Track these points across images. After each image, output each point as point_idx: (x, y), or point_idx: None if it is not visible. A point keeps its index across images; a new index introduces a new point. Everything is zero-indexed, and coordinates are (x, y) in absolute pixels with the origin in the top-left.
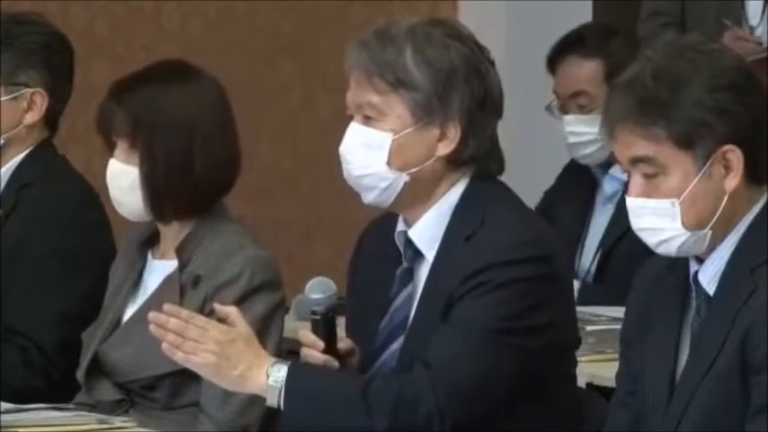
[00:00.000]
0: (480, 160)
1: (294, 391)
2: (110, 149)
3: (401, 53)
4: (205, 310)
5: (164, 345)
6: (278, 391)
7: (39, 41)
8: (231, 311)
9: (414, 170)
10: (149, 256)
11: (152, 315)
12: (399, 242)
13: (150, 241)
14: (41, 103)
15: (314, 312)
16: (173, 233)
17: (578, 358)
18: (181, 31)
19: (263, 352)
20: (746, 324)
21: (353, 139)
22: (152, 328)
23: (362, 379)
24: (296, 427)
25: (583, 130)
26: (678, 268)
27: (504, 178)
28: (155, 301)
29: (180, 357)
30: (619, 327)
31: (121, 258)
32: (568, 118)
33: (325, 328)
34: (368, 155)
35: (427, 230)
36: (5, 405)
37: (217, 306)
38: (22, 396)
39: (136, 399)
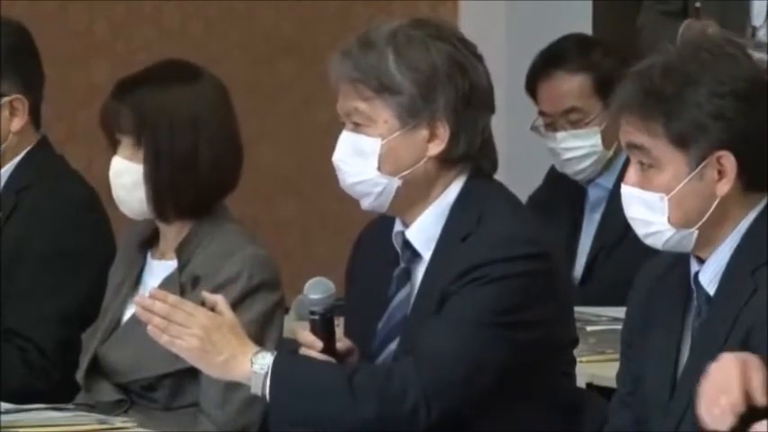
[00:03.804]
0: (473, 157)
1: (279, 379)
2: (113, 147)
3: (383, 58)
4: None
5: (149, 327)
6: (262, 379)
7: (2, 47)
8: (218, 299)
9: (406, 173)
10: (148, 256)
11: (137, 299)
12: (397, 243)
13: (150, 241)
14: (23, 107)
15: (312, 312)
16: (173, 233)
17: (578, 358)
18: (181, 32)
19: (249, 341)
20: (747, 325)
21: (345, 147)
22: (137, 310)
23: (349, 367)
24: (281, 415)
25: (577, 145)
26: (679, 269)
27: (505, 178)
28: None
29: (165, 341)
30: (619, 327)
31: (121, 259)
32: (561, 135)
33: (323, 327)
34: (359, 162)
35: (424, 231)
36: (5, 405)
37: (205, 294)
38: (22, 396)
39: (135, 399)
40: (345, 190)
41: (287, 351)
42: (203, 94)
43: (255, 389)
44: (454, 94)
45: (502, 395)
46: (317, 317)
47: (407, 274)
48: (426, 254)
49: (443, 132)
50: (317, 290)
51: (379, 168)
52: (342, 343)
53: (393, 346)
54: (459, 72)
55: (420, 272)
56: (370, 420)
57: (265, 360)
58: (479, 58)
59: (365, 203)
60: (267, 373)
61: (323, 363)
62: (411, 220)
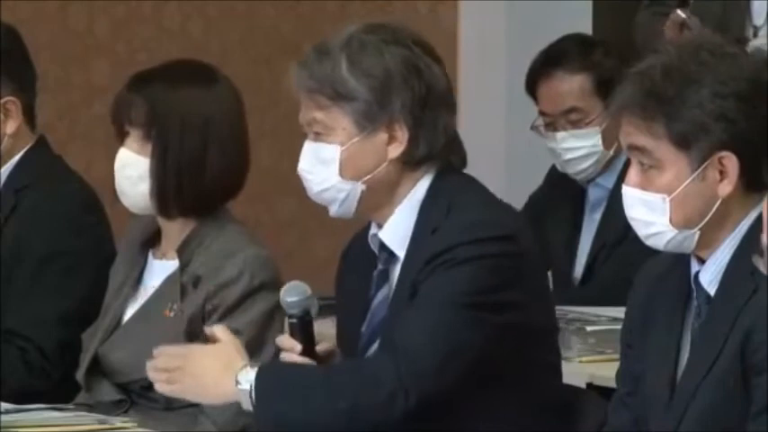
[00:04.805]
0: (437, 156)
1: (263, 390)
2: (120, 139)
3: (337, 66)
4: (205, 309)
5: (158, 386)
6: (248, 394)
7: None
8: (216, 329)
9: (368, 177)
10: (150, 256)
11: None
12: (374, 245)
13: (151, 241)
14: (16, 108)
15: (291, 316)
16: (175, 231)
17: (578, 358)
18: (181, 32)
19: (236, 360)
20: (747, 325)
21: (308, 157)
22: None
23: (328, 367)
24: (272, 426)
25: (578, 145)
26: (679, 269)
27: (505, 178)
28: (155, 302)
29: (168, 390)
30: (619, 327)
31: (122, 258)
32: (561, 135)
33: (302, 330)
34: (322, 170)
35: (397, 230)
36: (5, 405)
37: (206, 329)
38: (22, 396)
39: (136, 399)
40: (313, 198)
41: (269, 362)
42: (218, 97)
43: (246, 405)
44: (410, 97)
45: (483, 386)
46: (294, 320)
47: (386, 275)
48: (401, 252)
49: (402, 135)
50: (294, 293)
51: (341, 174)
52: (321, 345)
53: (376, 346)
54: (415, 75)
55: (397, 271)
56: (347, 410)
57: (249, 376)
58: (437, 60)
59: (332, 210)
60: (252, 387)
61: (304, 366)
62: (383, 221)
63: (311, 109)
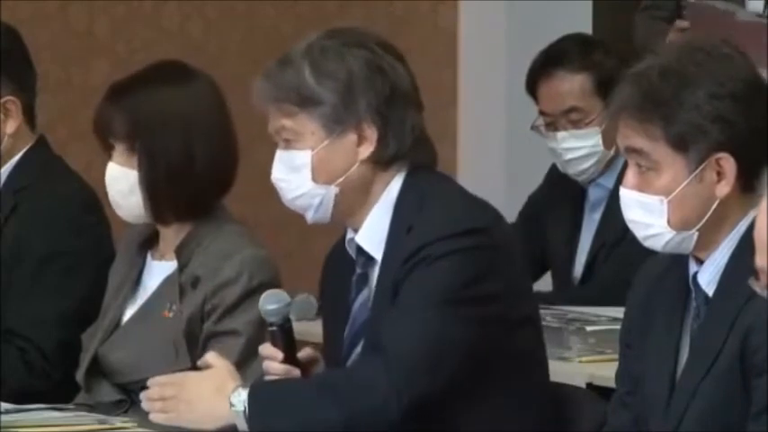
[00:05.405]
0: (407, 155)
1: (256, 409)
2: (107, 152)
3: (300, 73)
4: (204, 310)
5: (152, 416)
6: (243, 414)
7: None
8: (208, 356)
9: (341, 180)
10: (149, 257)
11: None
12: (351, 250)
13: (150, 242)
14: (16, 108)
15: (271, 324)
16: (172, 234)
17: (578, 358)
18: (181, 32)
19: (226, 383)
20: (746, 326)
21: (280, 166)
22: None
23: (316, 377)
24: None
25: (578, 145)
26: (677, 269)
27: (505, 178)
28: (154, 303)
29: (163, 419)
30: (619, 327)
31: (121, 259)
32: (562, 134)
33: (282, 338)
34: (295, 177)
35: (373, 233)
36: (5, 405)
37: (199, 362)
38: (22, 396)
39: (135, 399)
40: (288, 206)
41: (259, 381)
42: (196, 94)
43: (242, 426)
44: (375, 97)
45: (477, 383)
46: (275, 328)
47: (365, 279)
48: (378, 255)
49: (371, 135)
50: (272, 301)
51: (313, 179)
52: (303, 352)
53: (359, 349)
54: (378, 74)
55: (376, 273)
56: (343, 420)
57: (241, 397)
58: (400, 59)
59: (309, 217)
60: (245, 408)
61: (294, 380)
62: (359, 225)
63: (279, 118)
